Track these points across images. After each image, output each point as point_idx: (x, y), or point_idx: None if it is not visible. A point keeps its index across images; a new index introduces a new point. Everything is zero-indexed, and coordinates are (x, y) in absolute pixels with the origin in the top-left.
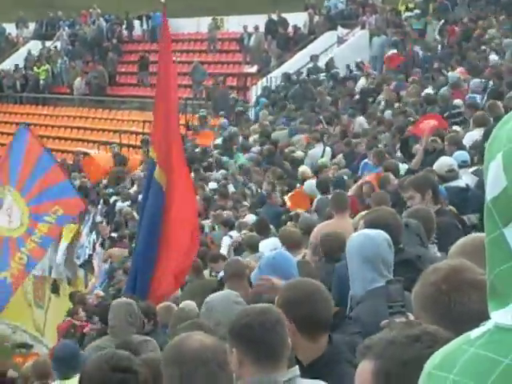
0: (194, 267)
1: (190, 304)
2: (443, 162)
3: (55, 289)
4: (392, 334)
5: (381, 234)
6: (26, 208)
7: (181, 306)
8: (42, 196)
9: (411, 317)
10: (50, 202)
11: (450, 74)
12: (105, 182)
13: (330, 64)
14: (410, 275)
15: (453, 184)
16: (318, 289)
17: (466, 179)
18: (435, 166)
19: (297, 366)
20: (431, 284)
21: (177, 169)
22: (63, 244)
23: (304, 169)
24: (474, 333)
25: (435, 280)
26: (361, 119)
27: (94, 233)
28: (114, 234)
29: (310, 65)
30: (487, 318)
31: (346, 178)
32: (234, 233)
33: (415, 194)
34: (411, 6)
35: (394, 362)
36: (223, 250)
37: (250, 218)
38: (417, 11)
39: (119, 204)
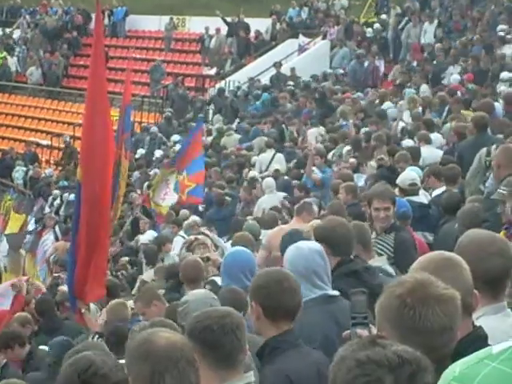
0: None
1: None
2: (406, 176)
3: None
4: (347, 351)
5: (311, 246)
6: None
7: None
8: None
9: (374, 329)
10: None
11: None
12: (56, 173)
13: (293, 72)
14: (356, 286)
15: (414, 199)
16: (287, 278)
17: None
18: (398, 179)
19: (251, 372)
20: (396, 297)
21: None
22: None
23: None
24: (496, 348)
25: (400, 293)
26: (313, 131)
27: (39, 223)
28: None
29: (273, 72)
30: (450, 331)
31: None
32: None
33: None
34: (372, 20)
35: (337, 380)
36: (176, 250)
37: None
38: (377, 26)
39: (68, 196)
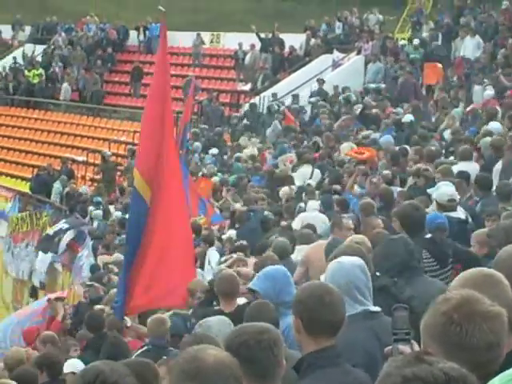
0: None
1: None
2: (444, 192)
3: (34, 293)
4: (391, 367)
5: (354, 261)
6: None
7: None
8: None
9: (415, 345)
10: None
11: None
12: (90, 190)
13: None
14: (386, 301)
15: (452, 214)
16: (330, 292)
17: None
18: (436, 195)
19: None
20: (442, 314)
21: (168, 184)
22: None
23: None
24: None
25: (446, 310)
26: (346, 145)
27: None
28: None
29: (315, 87)
30: (497, 348)
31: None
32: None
33: (396, 223)
34: (405, 35)
35: None
36: (212, 266)
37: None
38: (416, 41)
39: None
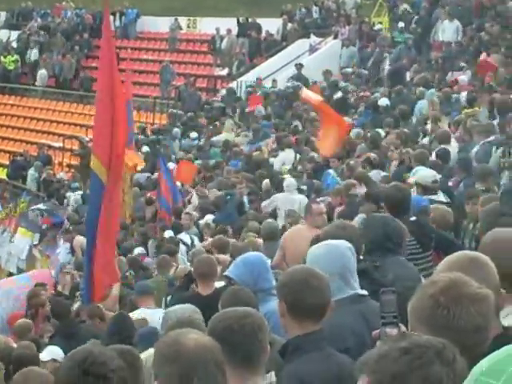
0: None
1: None
2: (427, 173)
3: None
4: (385, 347)
5: (343, 243)
6: None
7: None
8: None
9: (403, 328)
10: None
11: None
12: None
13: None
14: (367, 286)
15: (434, 198)
16: (314, 276)
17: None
18: (418, 177)
19: (273, 372)
20: (429, 296)
21: (116, 168)
22: (27, 239)
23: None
24: None
25: (433, 292)
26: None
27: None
28: None
29: (294, 72)
30: (484, 331)
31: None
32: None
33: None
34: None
35: (385, 375)
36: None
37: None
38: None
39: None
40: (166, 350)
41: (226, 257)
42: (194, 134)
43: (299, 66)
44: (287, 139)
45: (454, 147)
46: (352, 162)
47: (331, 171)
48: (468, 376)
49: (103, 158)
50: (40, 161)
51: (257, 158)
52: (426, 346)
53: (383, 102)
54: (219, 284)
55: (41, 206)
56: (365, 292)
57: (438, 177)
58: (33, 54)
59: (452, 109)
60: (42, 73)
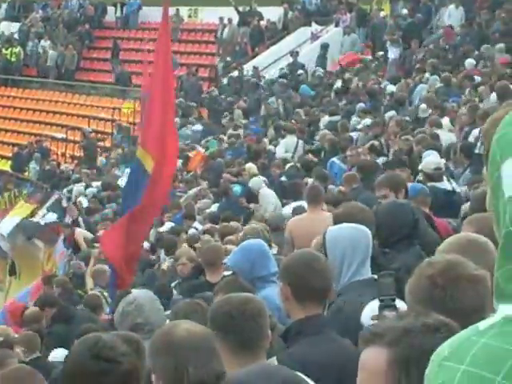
0: None
1: None
2: (430, 160)
3: (13, 270)
4: (404, 322)
5: (365, 229)
6: None
7: None
8: None
9: (401, 310)
10: None
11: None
12: (71, 167)
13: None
14: (373, 271)
15: (438, 185)
16: (317, 259)
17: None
18: (421, 165)
19: (274, 358)
20: (427, 277)
21: (167, 161)
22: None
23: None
24: (483, 324)
25: (431, 273)
26: (326, 118)
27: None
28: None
29: (290, 60)
30: (481, 312)
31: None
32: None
33: (389, 193)
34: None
35: (415, 350)
36: None
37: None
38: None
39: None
40: (159, 342)
41: (233, 247)
42: (198, 127)
43: (295, 54)
44: (289, 125)
45: (445, 132)
46: (360, 150)
47: (336, 160)
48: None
49: (151, 150)
50: (39, 153)
51: (257, 147)
52: (450, 325)
53: (389, 89)
54: (228, 272)
55: (48, 218)
56: (376, 276)
57: (443, 165)
58: (34, 45)
59: (452, 94)
60: (48, 64)
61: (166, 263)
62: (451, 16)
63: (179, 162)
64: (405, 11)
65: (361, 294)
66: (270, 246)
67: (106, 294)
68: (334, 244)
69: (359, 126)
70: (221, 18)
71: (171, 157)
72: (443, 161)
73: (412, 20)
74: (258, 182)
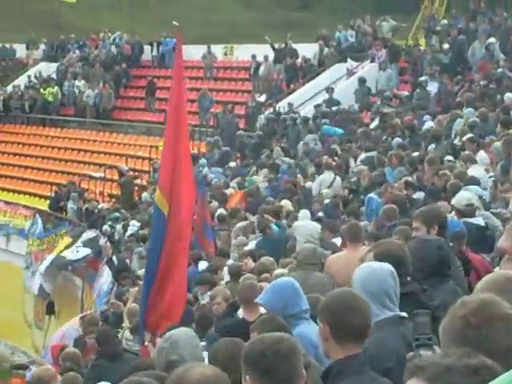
0: None
1: None
2: (462, 196)
3: (50, 308)
4: (448, 360)
5: (384, 266)
6: None
7: None
8: None
9: (437, 350)
10: None
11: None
12: (107, 206)
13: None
14: (412, 308)
15: (470, 221)
16: (355, 298)
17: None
18: (454, 200)
19: None
20: (460, 318)
21: (183, 197)
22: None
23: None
24: None
25: (464, 314)
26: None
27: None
28: None
29: (326, 96)
30: None
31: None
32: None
33: (421, 226)
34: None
35: None
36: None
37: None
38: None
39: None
40: None
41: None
42: (232, 164)
43: (331, 91)
44: (326, 161)
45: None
46: (396, 186)
47: (374, 195)
48: None
49: (165, 191)
50: (76, 192)
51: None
52: (492, 368)
53: (427, 125)
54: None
55: (82, 252)
56: (405, 314)
57: (475, 200)
58: (71, 85)
59: (488, 129)
60: (83, 102)
61: (205, 299)
62: (488, 49)
63: (213, 200)
64: (446, 46)
65: (383, 334)
66: None
67: None
68: (355, 286)
69: None
70: (253, 56)
71: (188, 201)
72: (476, 197)
73: (451, 54)
74: (304, 215)
